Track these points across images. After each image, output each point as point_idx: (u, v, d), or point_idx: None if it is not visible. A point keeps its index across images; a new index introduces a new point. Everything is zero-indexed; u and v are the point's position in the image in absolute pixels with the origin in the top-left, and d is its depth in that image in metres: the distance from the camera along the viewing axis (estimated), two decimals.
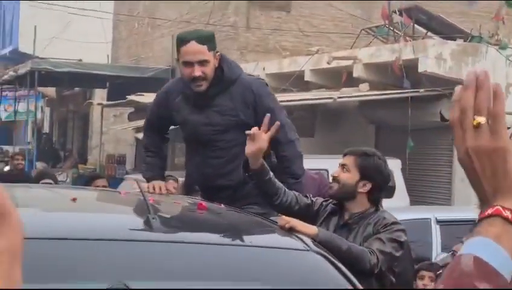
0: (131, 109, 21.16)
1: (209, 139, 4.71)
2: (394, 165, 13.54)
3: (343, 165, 4.34)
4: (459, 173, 13.60)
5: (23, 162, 13.79)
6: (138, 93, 17.63)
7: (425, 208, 12.12)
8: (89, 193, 4.43)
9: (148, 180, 4.72)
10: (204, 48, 4.56)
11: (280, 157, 4.71)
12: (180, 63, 4.66)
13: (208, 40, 4.63)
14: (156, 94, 5.18)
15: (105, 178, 8.56)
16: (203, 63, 4.56)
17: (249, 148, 4.12)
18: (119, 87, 21.77)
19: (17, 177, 12.24)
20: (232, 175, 4.63)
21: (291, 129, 4.79)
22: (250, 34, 19.44)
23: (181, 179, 10.63)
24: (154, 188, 4.54)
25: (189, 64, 4.57)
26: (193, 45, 4.55)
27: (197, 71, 4.55)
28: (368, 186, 4.25)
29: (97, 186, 7.93)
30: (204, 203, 3.59)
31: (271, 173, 4.23)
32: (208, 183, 4.74)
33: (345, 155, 4.40)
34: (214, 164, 4.70)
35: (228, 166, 4.67)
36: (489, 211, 1.30)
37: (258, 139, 4.09)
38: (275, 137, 4.41)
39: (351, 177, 4.27)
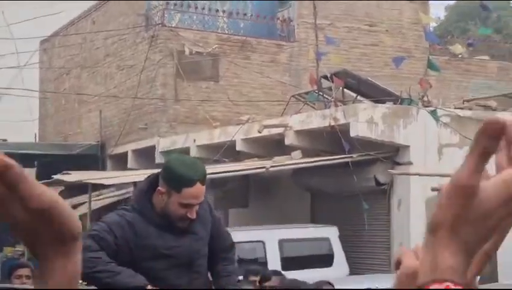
0: (62, 188, 20.59)
1: (194, 264, 4.28)
2: (331, 232, 13.29)
3: None
4: (397, 237, 13.39)
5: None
6: (64, 171, 17.18)
7: (367, 278, 11.89)
8: None
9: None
10: (204, 187, 4.10)
11: (223, 260, 4.48)
12: (173, 201, 4.06)
13: (206, 176, 4.17)
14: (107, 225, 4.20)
15: (29, 267, 7.58)
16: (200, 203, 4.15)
17: None
18: (48, 165, 21.23)
19: None
20: None
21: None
22: (179, 105, 19.18)
23: None
24: None
25: (188, 205, 4.07)
26: (199, 188, 4.04)
27: (195, 213, 4.11)
28: None
29: (19, 276, 7.17)
30: None
31: None
32: None
33: None
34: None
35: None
36: None
37: None
38: (217, 246, 4.34)
39: None
